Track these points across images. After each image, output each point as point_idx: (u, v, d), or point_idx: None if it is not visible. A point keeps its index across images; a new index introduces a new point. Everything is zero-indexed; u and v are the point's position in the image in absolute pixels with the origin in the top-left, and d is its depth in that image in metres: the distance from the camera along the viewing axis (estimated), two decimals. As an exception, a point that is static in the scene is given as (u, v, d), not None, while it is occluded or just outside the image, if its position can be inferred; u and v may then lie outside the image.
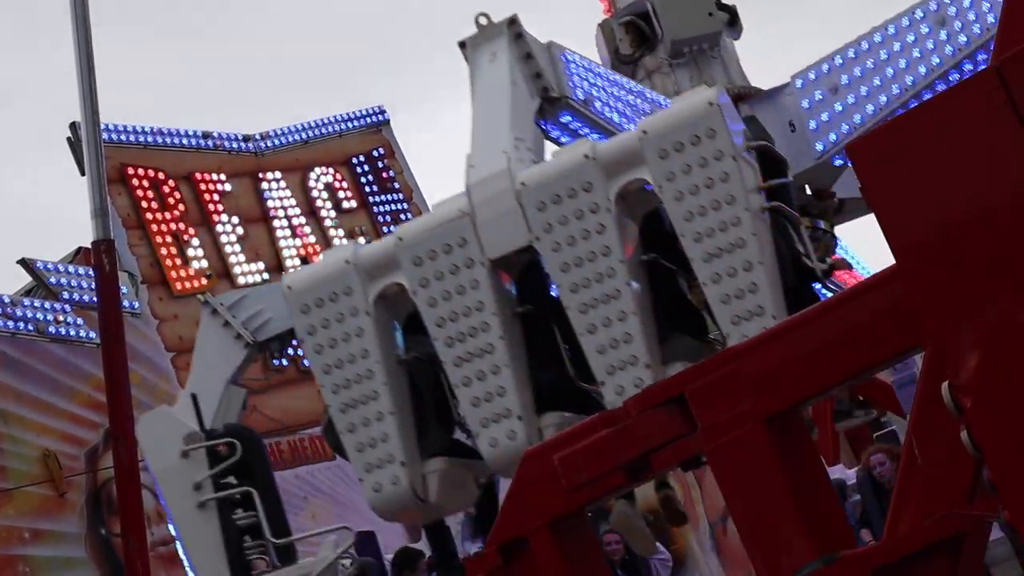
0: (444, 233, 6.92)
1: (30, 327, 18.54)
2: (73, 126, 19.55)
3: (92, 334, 18.08)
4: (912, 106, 10.28)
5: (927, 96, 10.33)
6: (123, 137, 21.60)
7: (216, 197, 22.21)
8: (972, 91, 4.71)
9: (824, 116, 10.97)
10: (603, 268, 6.62)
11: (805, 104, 11.05)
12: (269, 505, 7.74)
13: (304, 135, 23.63)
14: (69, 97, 11.81)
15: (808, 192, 11.04)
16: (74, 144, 19.46)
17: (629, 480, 5.56)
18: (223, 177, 22.35)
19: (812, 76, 11.12)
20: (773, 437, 5.24)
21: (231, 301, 8.95)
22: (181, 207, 21.61)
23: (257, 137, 23.26)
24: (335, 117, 24.16)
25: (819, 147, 10.94)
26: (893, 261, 4.90)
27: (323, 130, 23.89)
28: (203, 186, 22.08)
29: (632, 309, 6.59)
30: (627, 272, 6.61)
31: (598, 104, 10.21)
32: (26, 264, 19.53)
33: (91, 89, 12.17)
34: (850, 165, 10.86)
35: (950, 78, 10.29)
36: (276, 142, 23.32)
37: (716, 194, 6.46)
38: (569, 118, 8.90)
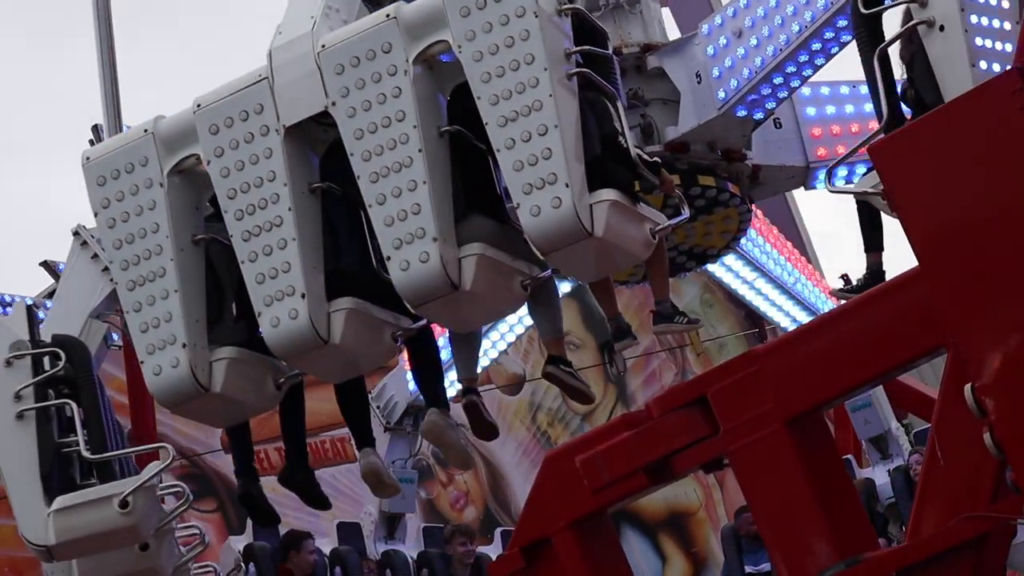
0: (241, 99, 6.60)
1: (52, 329, 18.57)
2: (95, 129, 19.57)
3: (115, 336, 18.09)
4: (813, 47, 10.02)
5: (828, 33, 9.81)
6: (145, 139, 21.62)
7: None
8: (995, 93, 4.71)
9: (727, 62, 10.24)
10: (397, 134, 6.23)
11: (711, 51, 10.32)
12: (90, 421, 7.50)
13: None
14: (91, 99, 11.83)
15: (718, 153, 10.46)
16: (96, 147, 19.49)
17: (652, 481, 5.57)
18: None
19: (718, 21, 10.38)
20: (795, 439, 5.24)
21: None
22: (202, 209, 21.61)
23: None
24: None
25: (720, 95, 10.23)
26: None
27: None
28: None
29: (423, 178, 6.16)
30: (423, 140, 6.22)
31: None
32: (48, 267, 19.50)
33: (113, 91, 12.21)
34: (755, 117, 10.60)
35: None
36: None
37: (515, 53, 6.07)
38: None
